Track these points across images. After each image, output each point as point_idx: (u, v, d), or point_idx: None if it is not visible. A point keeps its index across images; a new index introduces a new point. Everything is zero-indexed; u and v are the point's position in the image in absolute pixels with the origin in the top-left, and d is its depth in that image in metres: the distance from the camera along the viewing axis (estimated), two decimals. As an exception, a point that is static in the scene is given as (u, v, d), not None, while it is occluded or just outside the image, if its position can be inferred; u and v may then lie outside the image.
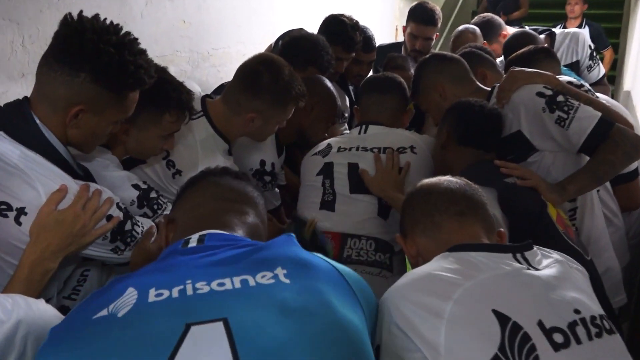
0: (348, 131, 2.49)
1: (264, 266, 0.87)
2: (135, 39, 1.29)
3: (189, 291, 0.81)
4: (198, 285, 0.82)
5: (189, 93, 1.59)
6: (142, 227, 1.43)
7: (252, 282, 0.83)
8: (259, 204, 1.15)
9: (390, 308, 0.99)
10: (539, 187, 1.59)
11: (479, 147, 1.71)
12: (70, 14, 1.23)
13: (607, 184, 1.98)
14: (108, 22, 1.26)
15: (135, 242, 1.40)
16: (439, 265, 1.03)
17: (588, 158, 1.68)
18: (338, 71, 2.59)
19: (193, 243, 0.94)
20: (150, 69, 1.31)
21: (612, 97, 5.20)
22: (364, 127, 1.97)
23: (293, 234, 0.98)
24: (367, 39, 2.77)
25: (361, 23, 2.71)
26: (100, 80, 1.22)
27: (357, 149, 1.89)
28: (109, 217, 1.31)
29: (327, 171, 1.86)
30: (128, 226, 1.37)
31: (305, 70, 2.18)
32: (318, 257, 0.93)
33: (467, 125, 1.72)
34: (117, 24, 1.27)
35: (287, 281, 0.84)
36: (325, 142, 1.98)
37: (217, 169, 1.20)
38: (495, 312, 0.94)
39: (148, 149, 1.61)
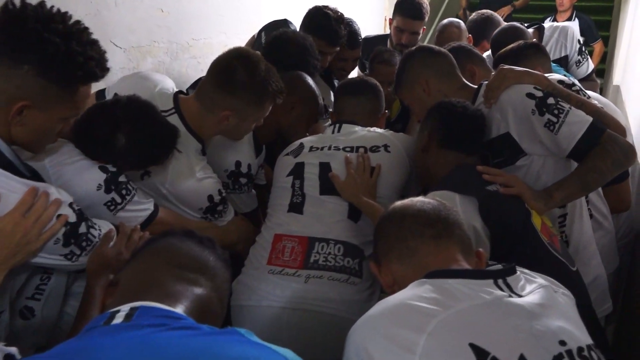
0: None
1: None
2: (86, 28, 1.20)
3: None
4: None
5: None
6: (100, 230, 1.35)
7: None
8: (218, 275, 1.00)
9: (358, 345, 0.92)
10: (523, 195, 1.52)
11: (461, 150, 1.65)
12: (11, 0, 1.13)
13: (598, 186, 1.92)
14: (63, 10, 1.17)
15: (92, 247, 1.32)
16: (414, 294, 0.96)
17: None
18: (322, 66, 2.51)
19: (119, 319, 0.80)
20: (102, 61, 1.21)
21: (601, 91, 5.21)
22: (337, 126, 1.92)
23: (249, 332, 0.82)
24: (353, 34, 2.68)
25: (349, 13, 2.63)
26: (46, 73, 1.13)
27: (330, 148, 1.82)
28: (59, 217, 1.23)
29: (297, 172, 1.79)
30: (82, 229, 1.28)
31: None
32: (279, 358, 0.79)
33: (449, 128, 1.65)
34: (65, 12, 1.18)
35: None
36: (298, 141, 1.91)
37: (181, 231, 1.05)
38: (472, 346, 0.87)
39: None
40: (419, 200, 1.19)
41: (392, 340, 0.89)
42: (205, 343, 0.77)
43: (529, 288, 1.03)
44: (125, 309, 0.82)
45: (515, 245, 1.43)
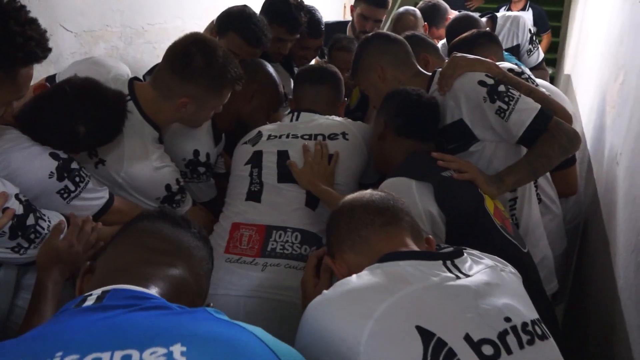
0: None
1: (159, 339, 0.72)
2: (23, 7, 1.15)
3: None
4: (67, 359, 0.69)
5: None
6: (49, 221, 1.32)
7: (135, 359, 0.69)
8: (195, 256, 0.99)
9: (311, 326, 0.96)
10: (477, 180, 1.57)
11: (416, 137, 1.68)
12: None
13: (546, 170, 1.99)
14: None
15: (41, 239, 1.29)
16: (366, 280, 1.00)
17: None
18: (281, 53, 2.50)
19: (90, 301, 0.80)
20: (43, 40, 1.16)
21: (553, 81, 5.35)
22: (295, 114, 1.92)
23: (218, 312, 0.84)
24: (315, 22, 2.67)
25: (310, 1, 2.61)
26: None
27: (288, 136, 1.83)
28: (5, 210, 1.19)
29: (256, 160, 1.79)
30: (30, 220, 1.25)
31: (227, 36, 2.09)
32: (247, 334, 0.78)
33: (404, 116, 1.67)
34: None
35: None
36: (256, 129, 1.91)
37: (154, 212, 1.04)
38: (418, 328, 0.91)
39: None
40: (367, 192, 1.23)
41: (339, 326, 0.93)
42: (174, 321, 0.77)
43: (476, 268, 1.07)
44: (97, 292, 0.82)
45: (469, 228, 1.48)
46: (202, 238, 1.03)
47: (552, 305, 1.64)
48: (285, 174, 1.74)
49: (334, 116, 1.94)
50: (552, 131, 1.60)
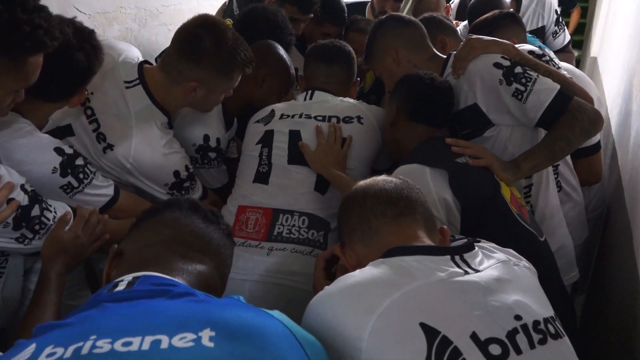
0: None
1: (188, 326, 0.75)
2: None
3: (85, 350, 0.71)
4: (100, 343, 0.71)
5: None
6: (55, 212, 1.30)
7: (164, 344, 0.72)
8: (222, 253, 1.03)
9: (314, 321, 0.94)
10: (492, 166, 1.52)
11: (429, 123, 1.63)
12: None
13: (568, 157, 1.92)
14: None
15: (46, 230, 1.28)
16: (370, 274, 0.96)
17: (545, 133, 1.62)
18: (295, 34, 2.45)
19: (121, 287, 0.84)
20: (52, 29, 1.14)
21: (579, 63, 5.20)
22: (309, 92, 1.87)
23: (240, 298, 0.87)
24: (339, 10, 2.63)
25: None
26: None
27: (301, 116, 1.78)
28: (10, 202, 1.18)
29: (266, 140, 1.75)
30: (35, 211, 1.24)
31: None
32: (273, 321, 0.81)
33: (416, 100, 1.63)
34: None
35: (210, 345, 0.72)
36: (269, 107, 1.86)
37: (186, 203, 1.06)
38: (423, 325, 0.87)
39: None
40: (381, 179, 1.18)
41: (342, 322, 0.90)
42: (203, 307, 0.80)
43: (486, 263, 1.02)
44: (128, 277, 0.86)
45: (485, 216, 1.43)
46: (229, 235, 1.07)
47: (569, 296, 1.59)
48: (296, 155, 1.71)
49: (348, 98, 1.89)
50: (573, 112, 1.54)
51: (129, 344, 0.71)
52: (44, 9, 1.14)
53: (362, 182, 1.20)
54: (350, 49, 2.00)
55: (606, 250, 2.26)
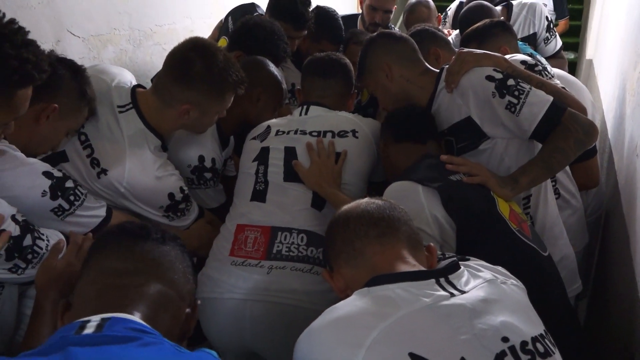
0: None
1: None
2: (20, 28, 1.14)
3: None
4: None
5: None
6: (48, 240, 1.31)
7: None
8: (162, 264, 0.96)
9: (304, 356, 0.94)
10: (488, 182, 1.52)
11: (414, 139, 1.66)
12: None
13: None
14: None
15: (39, 259, 1.28)
16: (354, 306, 0.96)
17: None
18: (290, 51, 2.46)
19: (90, 329, 0.80)
20: (40, 62, 1.16)
21: (575, 66, 5.21)
22: (305, 107, 1.87)
23: (214, 353, 0.85)
24: (337, 29, 2.65)
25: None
26: None
27: (296, 132, 1.79)
28: (1, 233, 1.19)
29: (263, 157, 1.76)
30: (28, 241, 1.25)
31: None
32: None
33: (394, 122, 1.69)
34: None
35: None
36: (265, 124, 1.87)
37: (112, 230, 1.01)
38: (412, 355, 0.87)
39: None
40: (364, 201, 1.19)
41: (331, 357, 0.90)
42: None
43: (472, 283, 1.02)
44: (94, 320, 0.82)
45: (482, 233, 1.43)
46: (167, 240, 1.00)
47: (573, 310, 1.58)
48: (292, 172, 1.71)
49: (344, 112, 1.89)
50: (567, 124, 1.54)
51: None
52: (32, 42, 1.16)
53: (345, 206, 1.21)
54: (347, 61, 2.00)
55: (605, 255, 2.26)
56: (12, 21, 1.14)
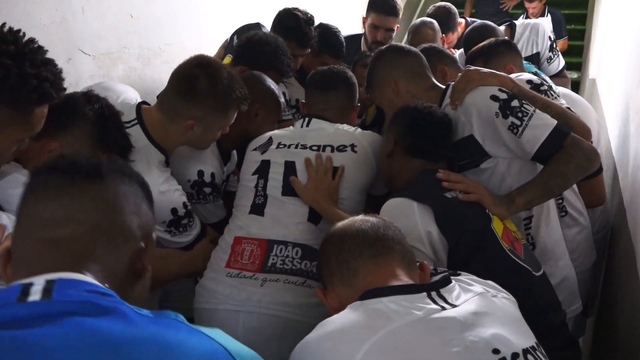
0: None
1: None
2: (40, 48, 1.17)
3: None
4: None
5: None
6: None
7: None
8: (115, 207, 0.83)
9: None
10: (484, 200, 1.51)
11: (427, 158, 1.63)
12: None
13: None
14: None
15: None
16: (347, 319, 0.97)
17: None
18: (293, 68, 2.49)
19: (35, 295, 0.69)
20: (58, 81, 1.19)
21: (578, 85, 5.24)
22: (306, 120, 1.88)
23: (179, 316, 0.76)
24: (338, 45, 2.68)
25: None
26: None
27: (297, 146, 1.80)
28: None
29: (263, 170, 1.77)
30: None
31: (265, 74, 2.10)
32: (203, 338, 0.74)
33: (415, 136, 1.62)
34: (18, 30, 1.15)
35: None
36: (267, 134, 1.88)
37: (45, 166, 0.84)
38: None
39: None
40: (359, 219, 1.19)
41: None
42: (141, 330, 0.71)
43: (463, 297, 1.03)
44: (39, 283, 0.71)
45: (474, 252, 1.42)
46: (106, 172, 0.85)
47: (567, 328, 1.55)
48: (290, 186, 1.73)
49: (344, 125, 1.89)
50: (569, 149, 1.54)
51: None
52: (50, 61, 1.19)
53: (339, 224, 1.22)
54: (351, 74, 2.02)
55: (612, 272, 2.26)
56: (32, 40, 1.16)
